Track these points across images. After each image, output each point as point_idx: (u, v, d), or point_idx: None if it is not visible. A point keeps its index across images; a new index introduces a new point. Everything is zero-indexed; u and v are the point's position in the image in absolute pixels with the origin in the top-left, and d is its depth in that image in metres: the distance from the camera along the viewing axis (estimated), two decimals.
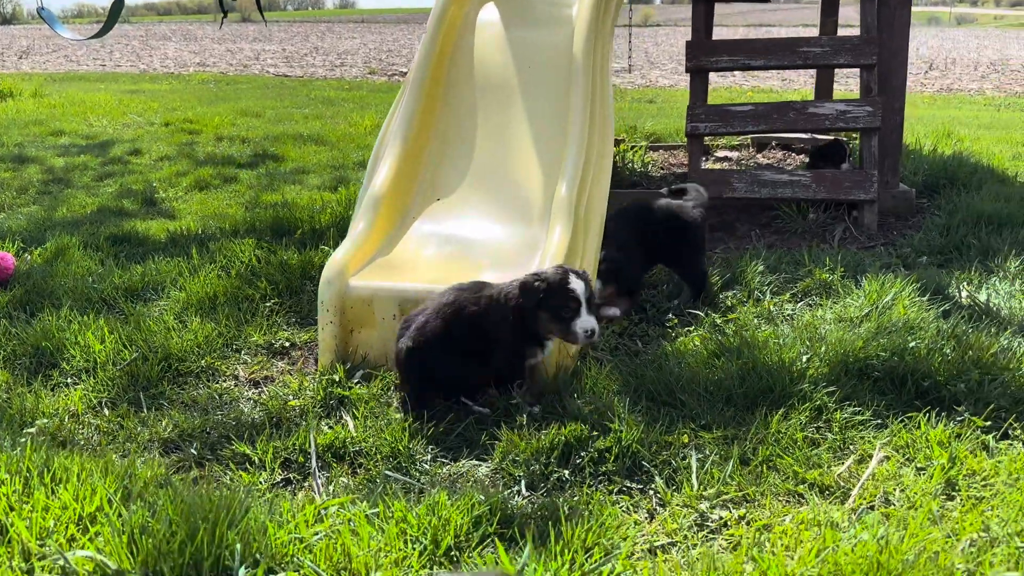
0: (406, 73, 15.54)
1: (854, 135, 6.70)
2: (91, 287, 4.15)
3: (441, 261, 3.71)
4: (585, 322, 2.97)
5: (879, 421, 2.82)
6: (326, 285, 3.39)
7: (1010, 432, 2.74)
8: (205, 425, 2.98)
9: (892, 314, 3.49)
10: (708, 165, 7.48)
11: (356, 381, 3.24)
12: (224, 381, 3.37)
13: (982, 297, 3.86)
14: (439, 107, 4.45)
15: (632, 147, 7.87)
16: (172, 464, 2.77)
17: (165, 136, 9.30)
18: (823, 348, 3.27)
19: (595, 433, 2.79)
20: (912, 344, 3.18)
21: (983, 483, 2.46)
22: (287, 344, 3.66)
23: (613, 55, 5.81)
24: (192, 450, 2.82)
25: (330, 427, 2.94)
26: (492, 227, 3.90)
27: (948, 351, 3.13)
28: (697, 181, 5.57)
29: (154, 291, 4.18)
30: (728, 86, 16.00)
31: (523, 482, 2.61)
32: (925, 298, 3.71)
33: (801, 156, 7.56)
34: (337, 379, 3.21)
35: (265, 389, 3.30)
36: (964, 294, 3.91)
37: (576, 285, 2.97)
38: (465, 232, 3.89)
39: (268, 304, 3.94)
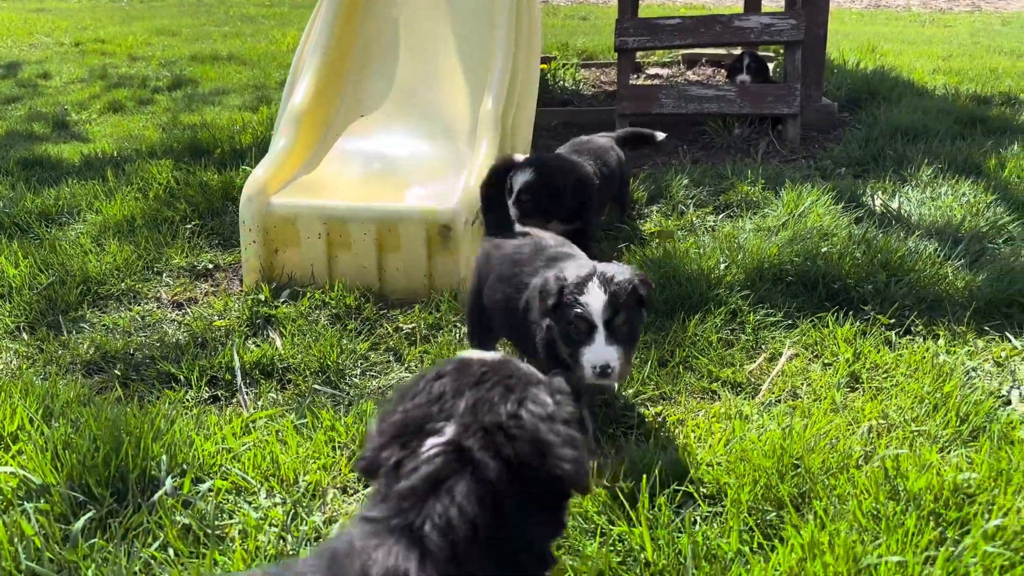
0: None
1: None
2: (2, 211, 3.99)
3: (366, 179, 3.67)
4: (596, 353, 2.08)
5: (790, 322, 2.95)
6: (247, 203, 3.33)
7: (912, 328, 2.90)
8: (128, 347, 2.94)
9: (807, 222, 3.61)
10: (639, 82, 7.48)
11: (283, 300, 3.22)
12: (146, 304, 3.32)
13: (894, 205, 4.01)
14: (359, 20, 4.33)
15: (563, 65, 7.80)
16: (95, 385, 2.73)
17: (75, 57, 8.84)
18: (740, 256, 3.38)
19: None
20: (824, 249, 3.30)
21: (885, 375, 2.61)
22: (210, 266, 3.60)
23: None
24: (116, 371, 2.79)
25: (257, 345, 2.93)
26: (417, 144, 3.86)
27: (858, 255, 3.27)
28: (626, 97, 5.60)
29: (69, 215, 4.04)
30: (661, 3, 15.84)
31: None
32: (839, 206, 3.84)
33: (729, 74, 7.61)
34: (263, 298, 3.19)
35: (189, 311, 3.26)
36: (878, 202, 4.05)
37: (592, 296, 2.09)
38: (390, 149, 3.84)
39: (189, 226, 3.86)
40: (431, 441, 1.17)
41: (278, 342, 2.95)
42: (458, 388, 1.23)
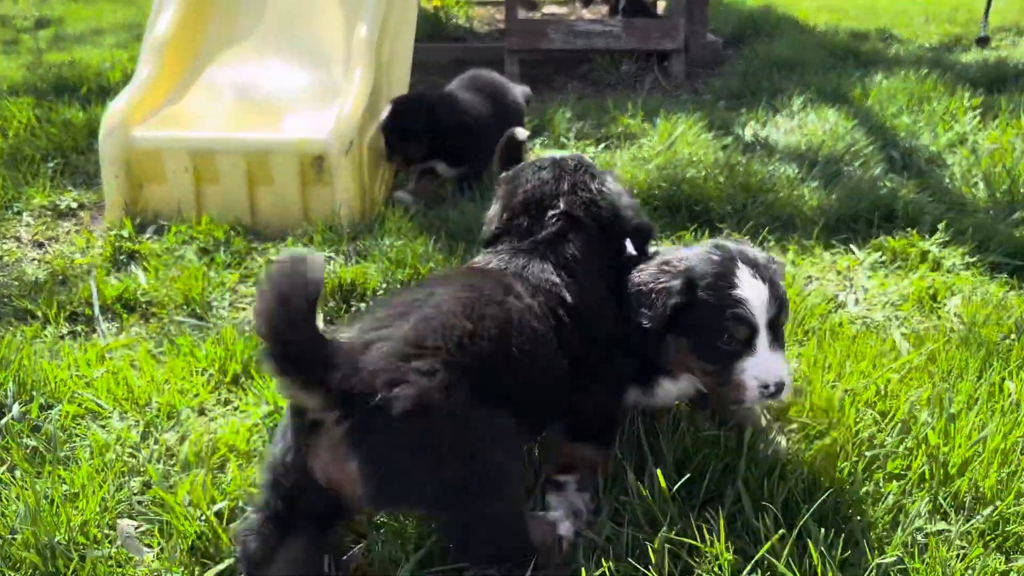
0: None
1: None
2: None
3: (237, 110, 3.58)
4: (764, 367, 1.64)
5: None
6: (107, 137, 3.22)
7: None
8: None
9: (677, 151, 3.72)
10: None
11: (148, 236, 3.15)
12: (4, 243, 3.19)
13: (763, 133, 4.16)
14: None
15: (457, 2, 7.70)
16: None
17: None
18: None
19: (397, 269, 2.88)
20: (690, 175, 3.42)
21: None
22: (74, 205, 3.48)
23: None
24: None
25: (119, 280, 2.87)
26: (291, 73, 3.76)
27: (721, 179, 3.40)
28: (515, 32, 5.59)
29: None
30: None
31: (320, 316, 2.67)
32: (710, 135, 3.96)
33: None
34: (126, 234, 3.11)
35: (50, 249, 3.15)
36: (749, 132, 4.20)
37: (748, 289, 1.66)
38: (262, 79, 3.73)
39: (51, 165, 3.71)
40: (551, 212, 1.90)
41: (141, 277, 2.89)
42: (558, 175, 1.95)
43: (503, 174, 2.11)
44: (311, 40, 3.88)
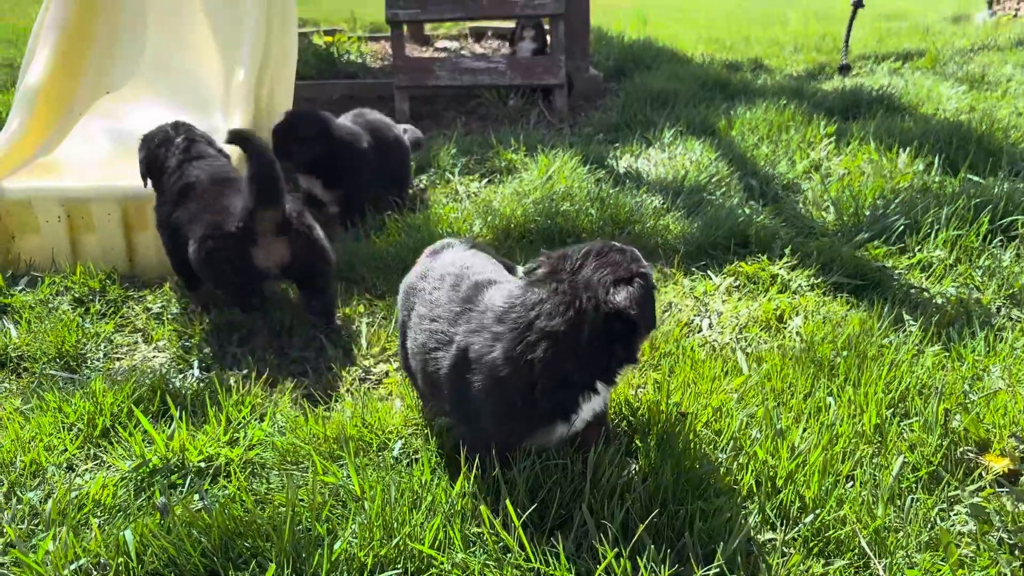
0: None
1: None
2: None
3: (114, 158, 3.57)
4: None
5: None
6: None
7: None
8: None
9: (554, 185, 3.89)
10: (428, 54, 7.61)
11: (20, 288, 3.11)
12: None
13: (636, 165, 4.39)
14: None
15: (349, 37, 7.79)
16: None
17: None
18: (491, 218, 3.61)
19: (275, 310, 2.93)
20: (564, 208, 3.59)
21: None
22: None
23: None
24: None
25: None
26: (169, 118, 3.77)
27: (593, 212, 3.58)
28: (403, 69, 5.71)
29: None
30: None
31: (196, 364, 2.70)
32: (585, 169, 4.15)
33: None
34: None
35: None
36: (623, 165, 4.42)
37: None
38: (139, 126, 3.69)
39: None
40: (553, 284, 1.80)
41: (12, 331, 2.85)
42: (586, 255, 1.81)
43: None
44: (189, 84, 3.91)
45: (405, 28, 6.59)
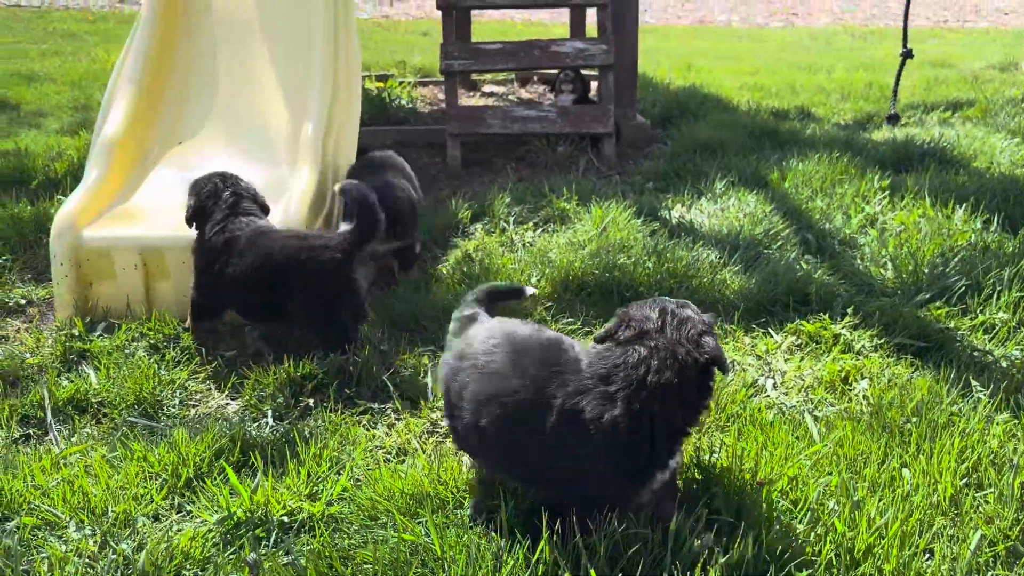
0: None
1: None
2: None
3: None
4: None
5: (588, 329, 3.25)
6: (57, 238, 3.30)
7: None
8: None
9: (609, 236, 3.95)
10: (475, 100, 7.76)
11: (98, 334, 3.22)
12: None
13: (688, 217, 4.43)
14: (177, 43, 4.33)
15: (400, 83, 7.96)
16: None
17: None
18: (549, 270, 3.67)
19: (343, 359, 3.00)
20: (621, 261, 3.64)
21: None
22: (23, 301, 3.53)
23: None
24: None
25: (71, 381, 2.93)
26: (238, 169, 3.87)
27: (650, 265, 3.62)
28: (455, 117, 5.84)
29: None
30: (501, 19, 16.31)
31: (270, 414, 2.77)
32: (639, 220, 4.21)
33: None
34: (76, 333, 3.17)
35: (0, 348, 3.19)
36: (675, 215, 4.47)
37: None
38: None
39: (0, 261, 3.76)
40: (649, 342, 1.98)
41: (92, 377, 2.95)
42: (662, 312, 2.03)
43: None
44: (258, 136, 4.04)
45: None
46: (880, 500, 2.09)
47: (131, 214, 3.59)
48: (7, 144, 5.77)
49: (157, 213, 3.62)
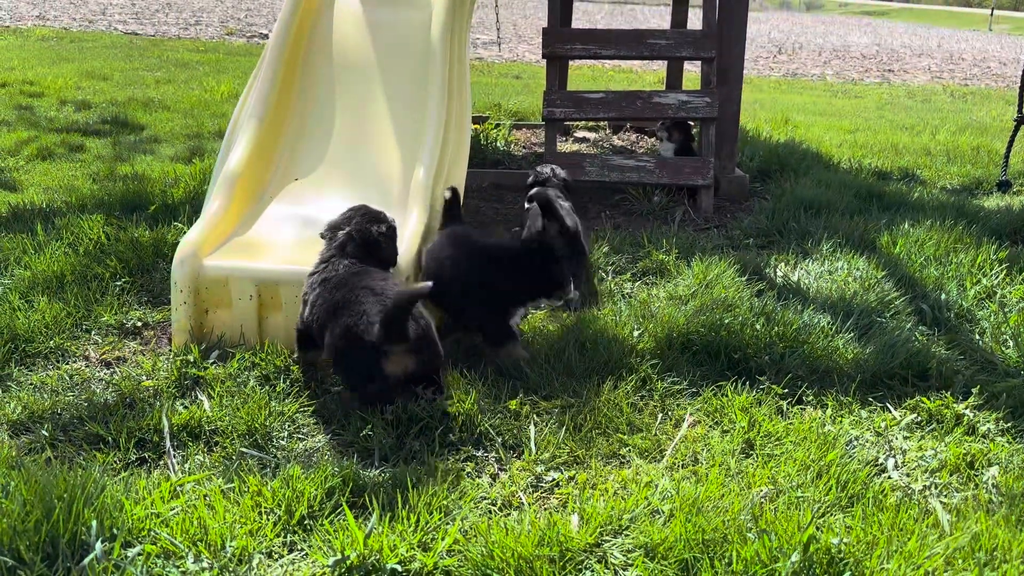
0: (266, 36, 14.95)
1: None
2: None
3: (299, 242, 3.79)
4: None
5: (694, 390, 3.18)
6: (179, 266, 3.42)
7: (803, 398, 3.17)
8: (56, 407, 2.98)
9: (713, 293, 3.88)
10: (568, 145, 7.81)
11: (212, 361, 3.30)
12: (75, 362, 3.35)
13: (794, 277, 4.33)
14: (297, 85, 4.49)
15: (496, 125, 8.08)
16: (23, 446, 2.77)
17: (2, 99, 8.71)
18: (652, 324, 3.62)
19: (447, 402, 3.00)
20: (728, 320, 3.57)
21: (776, 442, 2.85)
22: (139, 324, 3.66)
23: (480, 27, 5.92)
24: (43, 432, 2.82)
25: (185, 407, 3.00)
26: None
27: (758, 326, 3.54)
28: (552, 163, 5.87)
29: None
30: (591, 64, 16.46)
31: (376, 454, 2.79)
32: (744, 278, 4.13)
33: (652, 139, 8.02)
34: (192, 359, 3.26)
35: (117, 370, 3.31)
36: (780, 274, 4.37)
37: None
38: (323, 214, 3.91)
39: (119, 283, 3.91)
40: None
41: (206, 404, 3.02)
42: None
43: None
44: (370, 177, 4.13)
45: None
46: None
47: (248, 246, 3.70)
48: (126, 168, 6.06)
49: (272, 247, 3.72)
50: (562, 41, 5.99)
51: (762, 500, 2.48)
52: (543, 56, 6.04)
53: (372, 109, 4.42)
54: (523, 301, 3.59)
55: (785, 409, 3.09)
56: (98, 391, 3.12)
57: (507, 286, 3.48)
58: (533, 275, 3.52)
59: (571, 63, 8.61)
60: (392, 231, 3.39)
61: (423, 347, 2.96)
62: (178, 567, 2.14)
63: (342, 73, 4.57)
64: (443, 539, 2.26)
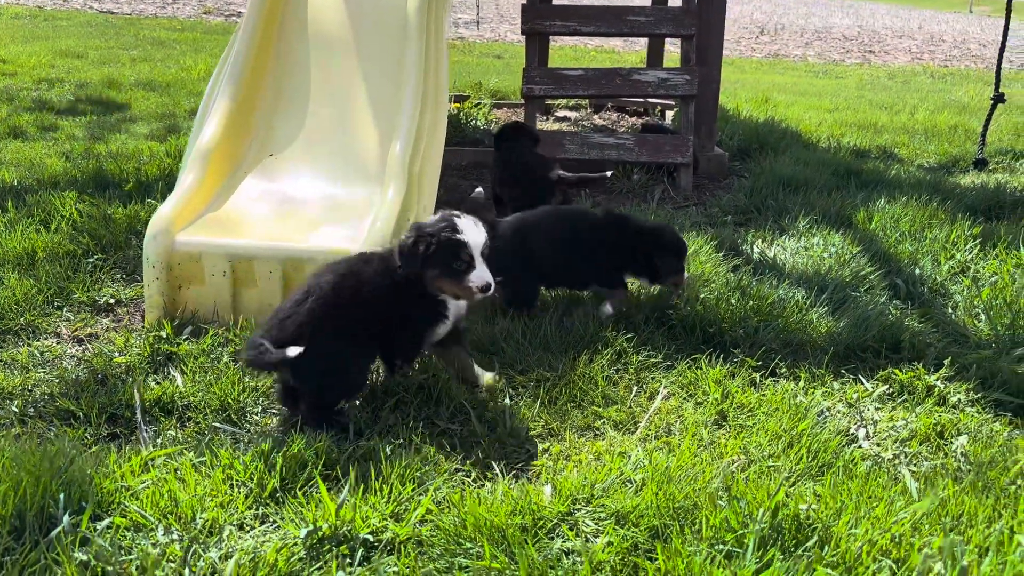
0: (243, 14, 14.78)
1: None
2: None
3: (274, 218, 3.76)
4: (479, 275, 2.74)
5: (669, 363, 3.19)
6: (151, 241, 3.38)
7: (777, 371, 3.18)
8: (26, 383, 2.95)
9: (689, 269, 3.89)
10: (548, 124, 7.79)
11: (185, 337, 3.28)
12: (46, 339, 3.32)
13: (771, 253, 4.35)
14: (272, 59, 4.43)
15: (476, 104, 8.04)
16: None
17: None
18: (629, 298, 3.62)
19: (423, 377, 3.00)
20: (703, 295, 3.58)
21: (749, 414, 2.87)
22: (112, 301, 3.62)
23: (462, 6, 5.87)
24: (13, 408, 2.79)
25: (158, 383, 2.98)
26: (326, 184, 3.97)
27: (733, 301, 3.55)
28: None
29: None
30: (573, 44, 16.39)
31: (351, 428, 2.77)
32: (720, 254, 4.14)
33: (633, 118, 8.02)
34: (165, 335, 3.24)
35: (89, 346, 3.28)
36: (756, 251, 4.38)
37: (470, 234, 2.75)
38: (298, 189, 3.94)
39: (92, 260, 3.86)
40: None
41: (179, 380, 3.00)
42: None
43: None
44: (346, 153, 4.10)
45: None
46: (989, 566, 1.99)
47: (222, 222, 3.66)
48: (100, 147, 5.98)
49: (246, 222, 3.69)
50: (542, 17, 5.96)
51: (733, 469, 2.50)
52: (522, 32, 6.00)
53: (347, 84, 4.37)
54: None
55: (758, 381, 3.10)
56: (69, 367, 3.09)
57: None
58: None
59: (553, 42, 8.59)
60: None
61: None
62: (147, 539, 2.13)
63: (318, 47, 4.51)
64: (416, 510, 2.26)
